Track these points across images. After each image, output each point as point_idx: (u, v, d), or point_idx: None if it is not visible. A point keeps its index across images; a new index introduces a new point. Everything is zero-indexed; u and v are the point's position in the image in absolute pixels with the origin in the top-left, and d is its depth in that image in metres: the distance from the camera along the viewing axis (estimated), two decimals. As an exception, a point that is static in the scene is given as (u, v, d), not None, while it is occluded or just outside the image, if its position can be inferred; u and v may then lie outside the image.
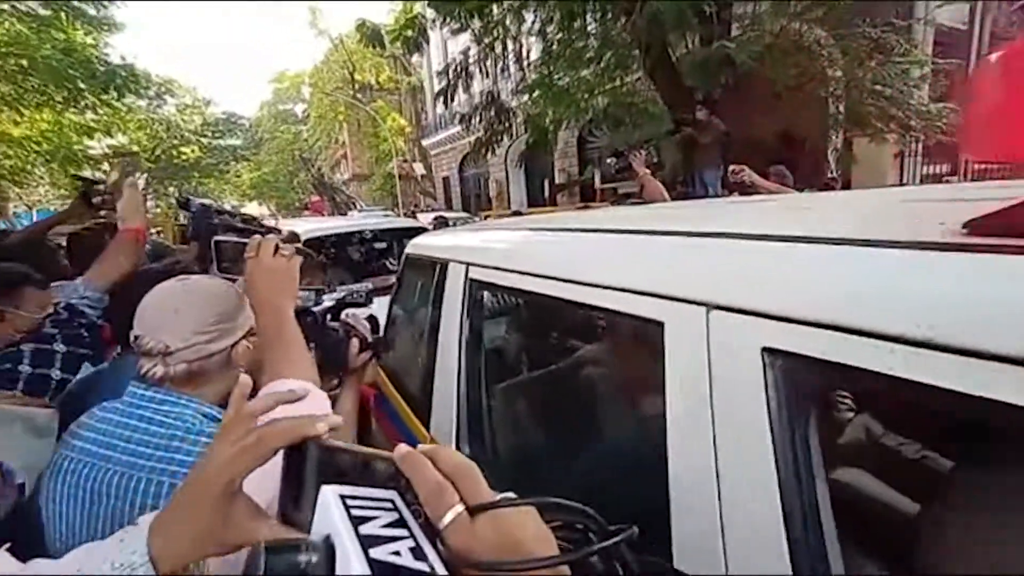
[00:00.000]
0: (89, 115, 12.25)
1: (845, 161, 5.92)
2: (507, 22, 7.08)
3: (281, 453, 0.43)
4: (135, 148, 18.59)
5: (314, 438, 0.43)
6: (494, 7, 6.97)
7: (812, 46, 5.12)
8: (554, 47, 6.40)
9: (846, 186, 5.85)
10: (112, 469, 0.79)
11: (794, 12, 5.03)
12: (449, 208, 19.02)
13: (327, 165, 30.81)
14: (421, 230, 4.18)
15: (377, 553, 0.33)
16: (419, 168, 23.51)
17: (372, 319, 1.28)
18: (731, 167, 2.78)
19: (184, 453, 0.81)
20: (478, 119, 8.44)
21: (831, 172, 5.59)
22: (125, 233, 1.43)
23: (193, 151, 20.25)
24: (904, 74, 4.76)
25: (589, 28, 6.41)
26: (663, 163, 6.60)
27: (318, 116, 29.11)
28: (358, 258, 4.30)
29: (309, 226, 4.43)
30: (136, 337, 0.84)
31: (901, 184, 6.23)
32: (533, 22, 6.76)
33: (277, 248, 0.87)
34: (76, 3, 10.36)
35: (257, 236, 0.91)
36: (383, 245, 4.42)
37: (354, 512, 0.36)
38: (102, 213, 1.87)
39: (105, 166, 16.84)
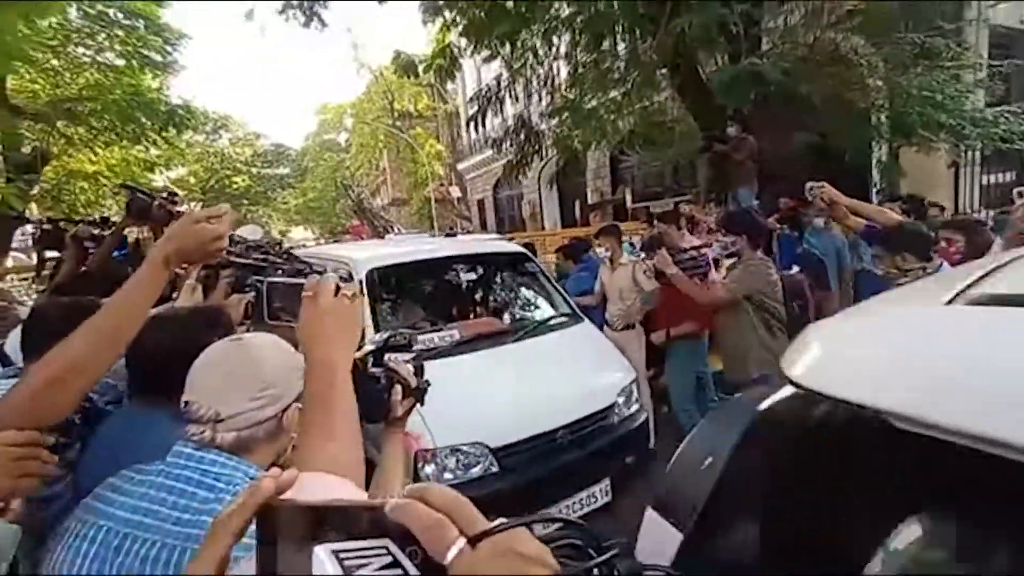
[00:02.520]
0: (153, 151, 13.29)
1: (891, 174, 5.59)
2: (537, 47, 7.21)
3: None
4: (192, 179, 19.94)
5: (270, 500, 0.40)
6: (523, 33, 7.12)
7: (849, 55, 4.92)
8: (580, 70, 6.44)
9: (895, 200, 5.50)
10: (151, 539, 0.71)
11: (828, 23, 4.87)
12: (484, 230, 19.26)
13: (368, 191, 31.94)
14: (522, 256, 3.68)
15: None
16: (455, 191, 24.02)
17: (417, 363, 1.17)
18: (809, 184, 2.60)
19: (219, 503, 0.74)
20: (509, 143, 8.58)
21: (875, 186, 5.28)
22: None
23: (244, 180, 21.52)
24: (955, 79, 4.47)
25: (617, 49, 6.43)
26: (698, 182, 6.47)
27: (360, 144, 30.34)
28: (440, 294, 3.46)
29: (371, 253, 3.47)
30: (187, 403, 0.81)
31: (955, 197, 5.80)
32: (558, 46, 6.85)
33: (338, 289, 0.76)
34: (144, 52, 11.37)
35: (315, 275, 0.82)
36: (472, 276, 3.53)
37: (347, 562, 0.36)
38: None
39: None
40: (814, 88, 4.69)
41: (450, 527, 0.36)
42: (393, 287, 3.29)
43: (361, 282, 2.93)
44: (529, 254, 3.83)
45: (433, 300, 3.48)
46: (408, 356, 1.21)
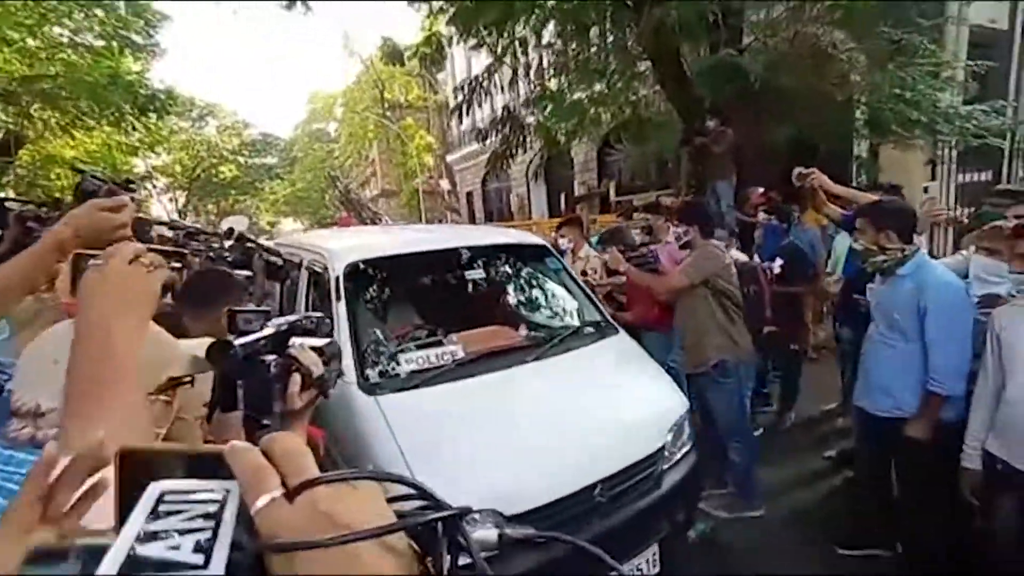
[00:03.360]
0: (135, 136, 13.03)
1: (869, 169, 5.64)
2: (524, 36, 7.14)
3: None
4: (178, 167, 19.63)
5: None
6: (510, 22, 7.06)
7: (830, 50, 4.93)
8: (564, 60, 6.41)
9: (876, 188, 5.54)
10: None
11: (810, 16, 4.87)
12: (472, 223, 19.19)
13: (357, 182, 31.66)
14: (540, 250, 3.06)
15: (146, 550, 0.31)
16: (445, 184, 23.88)
17: (329, 348, 1.02)
18: (798, 169, 2.61)
19: None
20: (495, 133, 8.53)
21: (853, 181, 5.31)
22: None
23: (231, 170, 21.23)
24: (930, 76, 4.50)
25: (603, 40, 6.40)
26: (679, 175, 6.48)
27: (349, 134, 30.04)
28: (440, 296, 2.80)
29: (354, 242, 3.06)
30: (10, 392, 0.70)
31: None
32: (544, 36, 6.80)
33: (137, 258, 0.67)
34: (124, 32, 11.11)
35: (131, 244, 0.72)
36: (480, 273, 2.85)
37: (164, 508, 0.33)
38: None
39: (148, 184, 17.75)
40: (794, 82, 4.71)
41: (272, 476, 0.33)
42: (380, 287, 2.62)
43: (338, 280, 2.40)
44: (550, 247, 3.13)
45: (431, 303, 2.77)
46: (320, 341, 1.05)
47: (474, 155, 19.13)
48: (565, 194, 14.40)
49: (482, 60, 9.56)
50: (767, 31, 4.95)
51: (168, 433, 0.85)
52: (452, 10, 7.18)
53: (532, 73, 7.33)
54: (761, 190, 4.55)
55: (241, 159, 21.98)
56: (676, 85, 5.23)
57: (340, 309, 2.33)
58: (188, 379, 0.84)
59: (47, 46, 10.30)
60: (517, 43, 7.31)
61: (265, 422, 0.78)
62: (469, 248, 2.81)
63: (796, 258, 3.67)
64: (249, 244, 2.07)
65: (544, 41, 7.00)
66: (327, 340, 1.04)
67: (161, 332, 0.84)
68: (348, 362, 2.10)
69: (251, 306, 1.02)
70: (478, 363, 2.23)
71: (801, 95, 4.83)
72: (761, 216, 4.17)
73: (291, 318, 1.01)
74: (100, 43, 10.85)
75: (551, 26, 6.68)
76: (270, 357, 0.91)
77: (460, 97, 8.39)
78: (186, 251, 1.45)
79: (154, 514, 0.32)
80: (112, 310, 0.63)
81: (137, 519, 0.32)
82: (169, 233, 2.07)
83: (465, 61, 15.80)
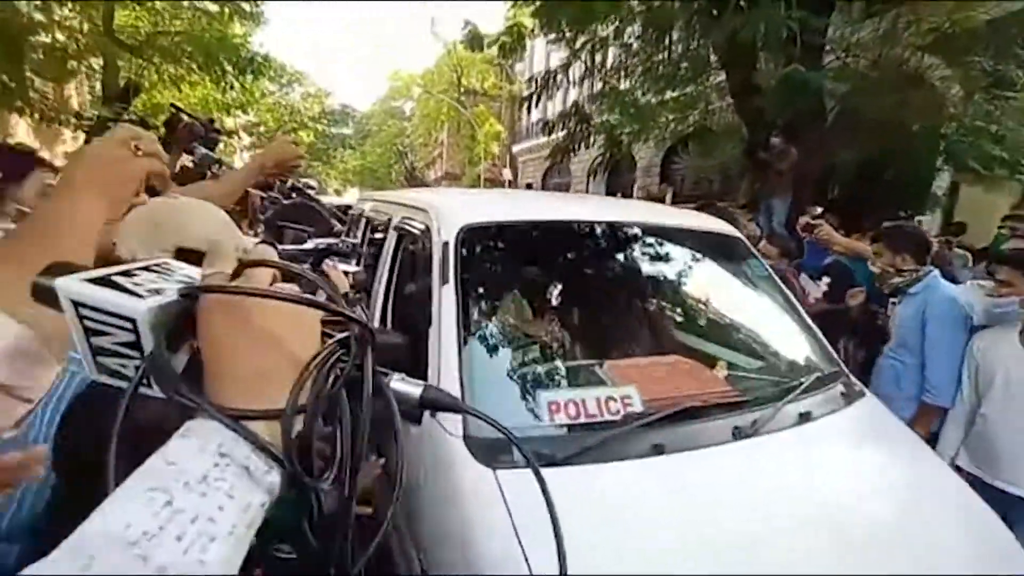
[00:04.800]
0: (230, 95, 14.19)
1: (943, 206, 5.39)
2: (606, 37, 7.23)
3: None
4: (262, 128, 21.03)
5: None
6: (593, 22, 7.17)
7: (923, 75, 4.74)
8: (639, 63, 6.47)
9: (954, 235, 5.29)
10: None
11: (902, 40, 4.69)
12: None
13: (423, 162, 32.64)
14: (737, 244, 2.07)
15: (101, 276, 0.40)
16: (507, 173, 24.22)
17: (357, 276, 1.03)
18: (804, 220, 2.72)
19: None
20: (561, 126, 8.66)
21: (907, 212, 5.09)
22: None
23: (308, 135, 22.51)
24: (1021, 112, 4.26)
25: (683, 45, 6.39)
26: (741, 187, 6.40)
27: (423, 115, 30.98)
28: (586, 295, 1.88)
29: (468, 201, 2.31)
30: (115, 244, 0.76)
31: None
32: (624, 39, 6.86)
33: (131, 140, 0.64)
34: (237, 2, 12.15)
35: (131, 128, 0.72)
36: (655, 268, 1.97)
37: (149, 273, 0.44)
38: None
39: (234, 140, 19.19)
40: (874, 106, 4.57)
41: (229, 265, 0.42)
42: (510, 269, 1.78)
43: (447, 249, 1.57)
44: (748, 243, 2.13)
45: (579, 308, 1.81)
46: (351, 267, 1.07)
47: (539, 148, 19.30)
48: (623, 195, 14.33)
49: (561, 54, 9.71)
50: (851, 50, 4.81)
51: None
52: (536, 3, 7.38)
53: (604, 72, 7.41)
54: (820, 209, 4.47)
55: (319, 127, 23.25)
56: (746, 97, 5.19)
57: (447, 296, 1.47)
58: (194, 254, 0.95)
59: (171, 7, 11.46)
60: (596, 42, 7.41)
61: None
62: (640, 227, 1.93)
63: (843, 276, 3.65)
64: (307, 197, 2.20)
65: (622, 43, 7.06)
66: (357, 268, 1.14)
67: (222, 215, 0.90)
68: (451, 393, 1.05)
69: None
70: (665, 426, 1.31)
71: (879, 121, 4.68)
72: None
73: (330, 240, 1.11)
74: (215, 7, 11.93)
75: (632, 28, 6.75)
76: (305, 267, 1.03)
77: (533, 87, 8.58)
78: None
79: (131, 272, 0.42)
80: (82, 183, 0.60)
81: (109, 269, 0.41)
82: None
83: (544, 54, 15.95)
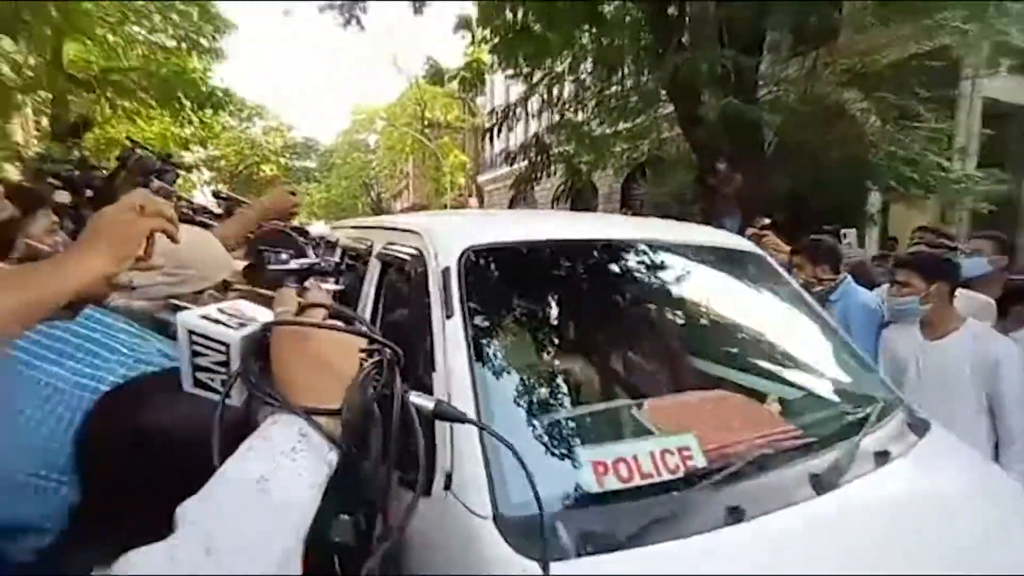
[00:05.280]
0: (188, 129, 14.03)
1: (875, 222, 5.89)
2: (560, 71, 7.64)
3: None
4: (223, 163, 20.74)
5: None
6: (547, 57, 7.57)
7: (843, 106, 5.25)
8: (592, 96, 6.87)
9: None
10: (51, 382, 0.73)
11: (823, 77, 5.22)
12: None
13: (389, 194, 32.72)
14: (758, 261, 1.84)
15: (205, 313, 0.58)
16: (473, 203, 24.52)
17: (341, 295, 1.09)
18: (750, 231, 2.95)
19: (124, 371, 0.77)
20: (523, 157, 8.98)
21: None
22: None
23: (271, 169, 22.33)
24: (932, 141, 4.79)
25: (634, 80, 6.83)
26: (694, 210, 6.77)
27: (388, 147, 31.24)
28: (614, 325, 1.64)
29: (466, 224, 1.87)
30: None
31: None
32: (578, 73, 7.29)
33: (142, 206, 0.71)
34: (195, 36, 12.16)
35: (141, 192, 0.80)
36: (686, 288, 1.70)
37: (225, 313, 0.60)
38: None
39: (194, 175, 18.83)
40: (804, 134, 5.02)
41: (293, 304, 0.62)
42: (514, 296, 1.48)
43: (448, 277, 1.29)
44: (769, 259, 1.91)
45: (599, 336, 1.59)
46: (332, 286, 1.13)
47: (504, 177, 19.74)
48: (586, 222, 14.77)
49: (520, 88, 10.15)
50: (780, 85, 5.29)
51: None
52: (494, 40, 7.76)
53: (560, 105, 7.80)
54: (767, 220, 4.80)
55: (282, 160, 23.13)
56: (693, 128, 5.58)
57: (453, 333, 1.18)
58: (236, 289, 1.04)
59: (125, 42, 11.36)
60: (552, 76, 7.82)
61: None
62: (664, 246, 1.69)
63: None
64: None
65: (576, 77, 7.48)
66: (338, 287, 1.20)
67: (216, 243, 1.06)
68: (471, 461, 0.99)
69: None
70: (732, 483, 1.05)
71: (811, 147, 5.14)
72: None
73: (311, 260, 1.14)
74: (172, 43, 11.90)
75: (585, 63, 7.17)
76: (292, 286, 1.00)
77: (494, 120, 8.90)
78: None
79: (223, 310, 0.59)
80: (90, 239, 0.68)
81: (209, 307, 0.60)
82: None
83: (504, 87, 16.54)
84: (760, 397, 1.43)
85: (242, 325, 0.58)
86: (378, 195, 26.74)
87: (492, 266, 1.46)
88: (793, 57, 5.61)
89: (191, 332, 0.56)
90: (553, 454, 1.09)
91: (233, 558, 0.40)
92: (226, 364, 0.56)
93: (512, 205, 21.00)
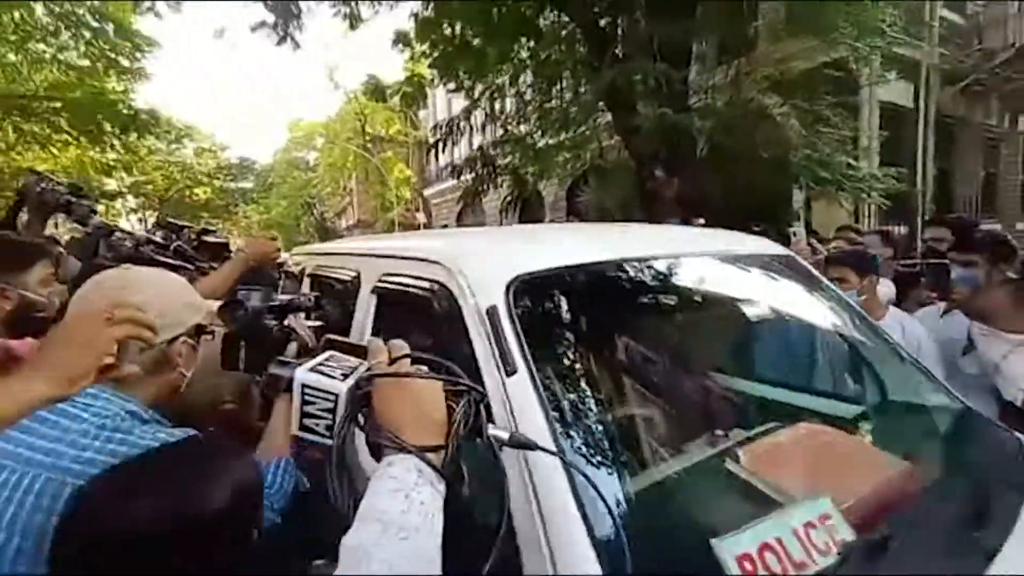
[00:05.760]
0: (111, 155, 13.08)
1: (800, 218, 6.44)
2: (501, 85, 7.79)
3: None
4: (151, 187, 19.49)
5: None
6: (487, 71, 7.69)
7: (766, 112, 5.70)
8: (533, 109, 7.07)
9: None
10: (3, 463, 0.69)
11: (746, 84, 5.65)
12: (446, 254, 19.53)
13: (333, 211, 31.85)
14: (795, 265, 1.60)
15: (313, 367, 0.69)
16: (421, 217, 24.36)
17: (321, 328, 1.12)
18: (694, 220, 3.14)
19: (94, 451, 0.71)
20: (469, 170, 9.04)
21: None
22: None
23: (205, 192, 21.21)
24: (839, 143, 5.29)
25: (573, 92, 7.08)
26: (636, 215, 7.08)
27: (328, 164, 30.48)
28: (676, 355, 1.43)
29: (501, 246, 1.45)
30: None
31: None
32: (519, 86, 7.47)
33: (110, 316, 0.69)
34: (112, 55, 11.39)
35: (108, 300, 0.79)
36: (750, 311, 1.53)
37: (330, 363, 0.72)
38: None
39: (118, 203, 17.59)
40: (733, 139, 5.40)
41: (383, 353, 0.71)
42: (578, 335, 1.15)
43: (493, 316, 0.98)
44: (807, 264, 1.69)
45: (678, 368, 1.42)
46: (315, 323, 1.15)
47: (451, 190, 19.72)
48: (536, 231, 15.02)
49: (462, 101, 10.23)
50: (709, 93, 5.68)
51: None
52: (433, 54, 7.80)
53: (503, 118, 7.95)
54: (702, 220, 5.13)
55: (217, 182, 22.02)
56: (630, 136, 5.85)
57: (521, 393, 0.90)
58: (211, 332, 0.97)
59: (30, 61, 10.47)
60: (494, 89, 7.95)
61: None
62: (727, 258, 1.48)
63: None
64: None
65: (517, 90, 7.66)
66: (321, 323, 1.16)
67: (183, 282, 1.00)
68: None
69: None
70: (885, 558, 0.83)
71: (739, 150, 5.53)
72: None
73: (290, 296, 1.13)
74: (85, 63, 11.09)
75: (525, 77, 7.36)
76: (272, 323, 1.02)
77: (438, 135, 8.92)
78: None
79: (324, 363, 0.71)
80: (43, 360, 0.66)
81: (314, 361, 0.71)
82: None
83: (446, 100, 16.59)
84: (849, 427, 1.21)
85: (345, 376, 0.67)
86: (321, 214, 26.02)
87: (550, 299, 1.13)
88: (718, 66, 6.03)
89: (304, 386, 0.66)
90: (683, 545, 0.84)
91: None
92: (332, 411, 0.65)
93: (460, 218, 21.01)
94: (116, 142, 11.41)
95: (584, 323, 1.19)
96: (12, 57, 10.20)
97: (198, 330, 0.92)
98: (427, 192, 23.72)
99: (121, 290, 0.84)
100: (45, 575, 0.65)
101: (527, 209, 16.01)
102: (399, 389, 0.65)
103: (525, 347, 0.94)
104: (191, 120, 20.32)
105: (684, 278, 1.40)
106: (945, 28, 7.79)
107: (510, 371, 0.91)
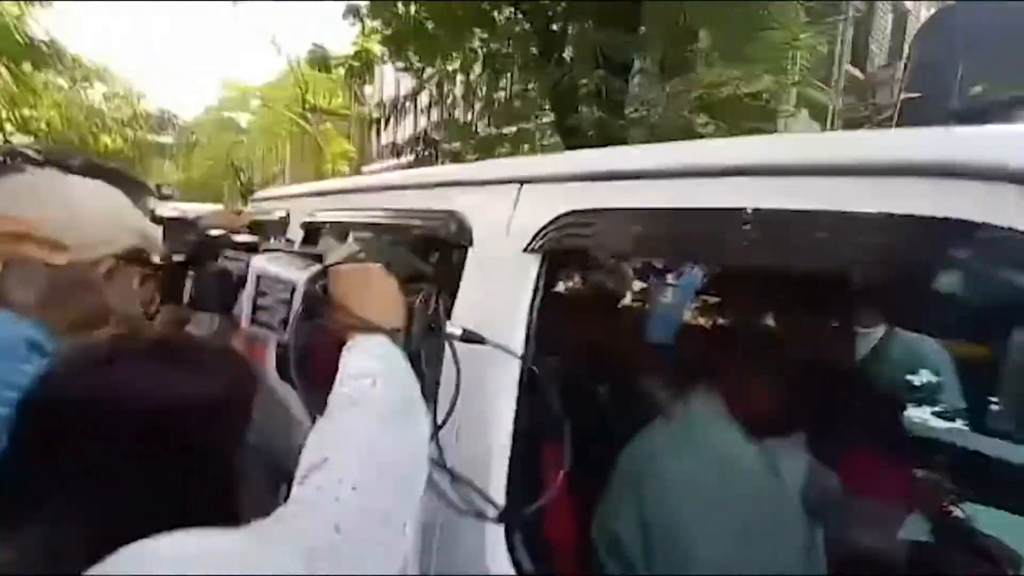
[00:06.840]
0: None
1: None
2: (451, 71, 7.75)
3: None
4: (44, 126, 17.29)
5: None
6: (438, 56, 7.62)
7: (696, 130, 6.17)
8: (480, 98, 7.14)
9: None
10: None
11: (678, 102, 6.08)
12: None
13: (262, 178, 29.96)
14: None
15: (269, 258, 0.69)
16: (358, 195, 23.57)
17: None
18: None
19: None
20: (409, 152, 8.95)
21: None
22: None
23: (114, 141, 19.12)
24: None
25: (520, 87, 7.21)
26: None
27: (262, 129, 28.60)
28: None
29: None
30: None
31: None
32: (469, 75, 7.50)
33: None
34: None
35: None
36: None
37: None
38: None
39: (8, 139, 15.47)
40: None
41: (339, 254, 0.73)
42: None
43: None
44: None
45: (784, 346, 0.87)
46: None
47: (391, 169, 19.30)
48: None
49: (410, 81, 10.05)
50: (646, 106, 6.05)
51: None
52: (387, 31, 7.61)
53: (450, 102, 7.94)
54: None
55: (129, 132, 19.92)
56: (569, 137, 6.10)
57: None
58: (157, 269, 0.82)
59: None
60: (443, 75, 7.90)
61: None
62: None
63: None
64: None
65: (466, 78, 7.67)
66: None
67: (129, 206, 0.83)
68: None
69: None
70: None
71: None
72: None
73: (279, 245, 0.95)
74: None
75: (476, 67, 7.39)
76: (236, 263, 0.79)
77: (382, 113, 8.73)
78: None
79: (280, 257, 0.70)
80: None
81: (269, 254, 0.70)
82: None
83: (394, 79, 16.16)
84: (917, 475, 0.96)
85: (301, 270, 0.67)
86: (248, 179, 24.39)
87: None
88: (658, 83, 6.43)
89: (259, 277, 0.65)
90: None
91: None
92: (288, 302, 0.65)
93: (401, 200, 20.59)
94: (5, 71, 10.01)
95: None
96: None
97: (141, 258, 0.78)
98: (366, 170, 23.02)
99: (14, 201, 0.70)
100: None
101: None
102: (359, 276, 0.67)
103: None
104: (105, 62, 18.15)
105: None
106: (848, 81, 8.91)
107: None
